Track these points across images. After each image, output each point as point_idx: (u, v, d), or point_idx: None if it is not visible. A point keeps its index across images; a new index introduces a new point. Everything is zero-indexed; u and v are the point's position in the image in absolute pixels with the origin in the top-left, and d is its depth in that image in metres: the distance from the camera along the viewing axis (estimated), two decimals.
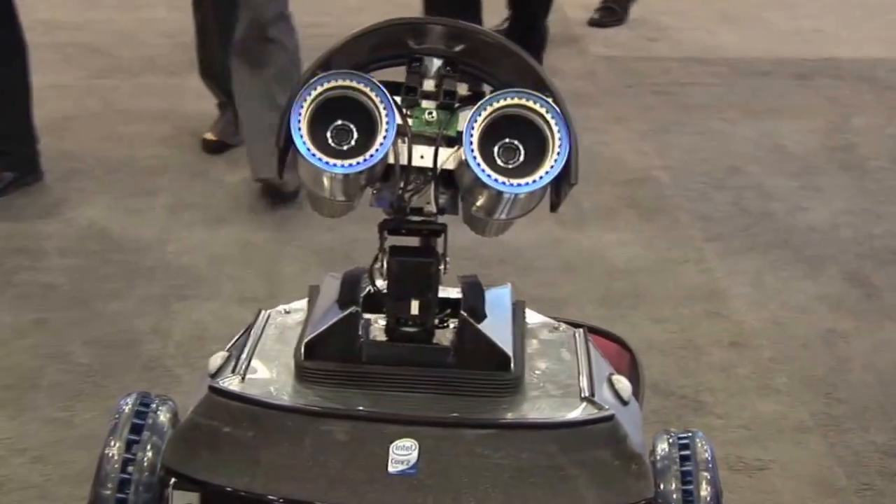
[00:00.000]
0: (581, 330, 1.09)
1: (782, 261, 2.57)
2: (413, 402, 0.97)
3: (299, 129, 0.92)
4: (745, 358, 2.15)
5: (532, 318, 1.11)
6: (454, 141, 0.97)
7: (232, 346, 1.06)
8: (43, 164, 2.78)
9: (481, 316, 0.99)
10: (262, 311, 1.09)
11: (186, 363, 2.00)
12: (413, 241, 1.01)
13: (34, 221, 2.59)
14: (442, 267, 1.01)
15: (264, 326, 1.07)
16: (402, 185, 0.97)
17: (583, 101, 3.64)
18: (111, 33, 4.09)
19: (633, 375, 1.18)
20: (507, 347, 0.99)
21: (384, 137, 0.92)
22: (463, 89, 0.99)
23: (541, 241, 2.66)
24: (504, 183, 0.94)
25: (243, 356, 1.02)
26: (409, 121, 0.97)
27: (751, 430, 1.92)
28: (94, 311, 2.24)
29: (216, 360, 1.02)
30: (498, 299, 1.07)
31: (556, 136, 0.95)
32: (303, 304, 1.09)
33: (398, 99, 0.97)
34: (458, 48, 0.99)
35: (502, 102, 0.95)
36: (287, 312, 1.09)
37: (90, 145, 3.07)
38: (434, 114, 0.98)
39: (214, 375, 1.00)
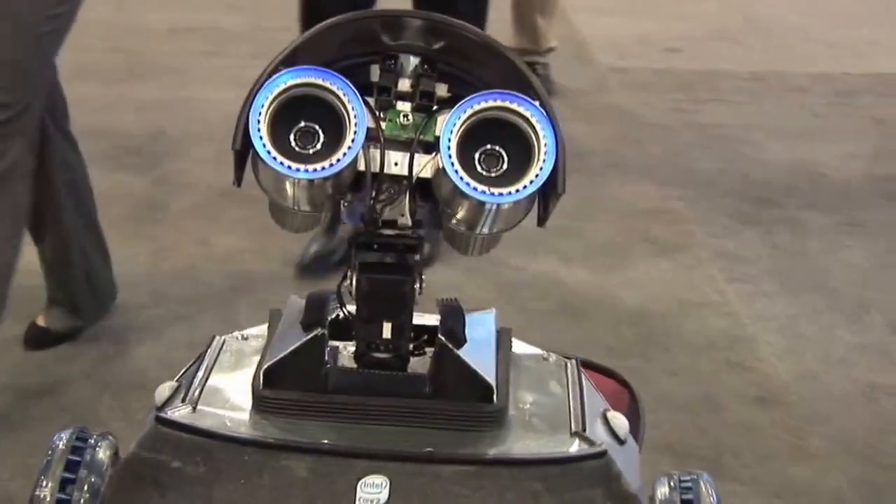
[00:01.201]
0: (573, 361, 1.14)
1: (817, 306, 2.61)
2: (384, 435, 1.01)
3: (259, 129, 0.96)
4: (773, 416, 2.19)
5: (519, 347, 1.16)
6: (432, 147, 1.01)
7: (182, 375, 1.10)
8: None
9: (461, 341, 1.03)
10: (217, 337, 1.14)
11: (124, 416, 2.05)
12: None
13: None
14: (417, 286, 1.05)
15: (219, 353, 1.11)
16: (373, 194, 1.01)
17: (590, 119, 3.69)
18: None
19: (633, 414, 1.23)
20: (490, 376, 1.04)
21: (352, 141, 0.97)
22: (442, 90, 1.04)
23: (540, 278, 2.70)
24: (484, 192, 0.98)
25: (195, 385, 1.06)
26: (383, 124, 1.02)
27: (781, 498, 1.96)
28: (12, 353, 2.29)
29: (164, 390, 1.06)
30: (480, 325, 1.12)
31: (542, 141, 0.99)
32: (262, 329, 1.13)
33: (371, 100, 1.02)
34: (437, 45, 1.04)
35: (483, 105, 0.99)
36: (244, 338, 1.14)
37: None
38: (410, 117, 1.02)
39: (162, 407, 1.04)
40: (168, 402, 1.05)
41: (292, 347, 1.03)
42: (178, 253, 2.74)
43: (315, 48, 1.03)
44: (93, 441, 1.06)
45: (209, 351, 1.12)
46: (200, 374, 1.08)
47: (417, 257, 1.05)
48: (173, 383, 1.08)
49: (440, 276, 2.67)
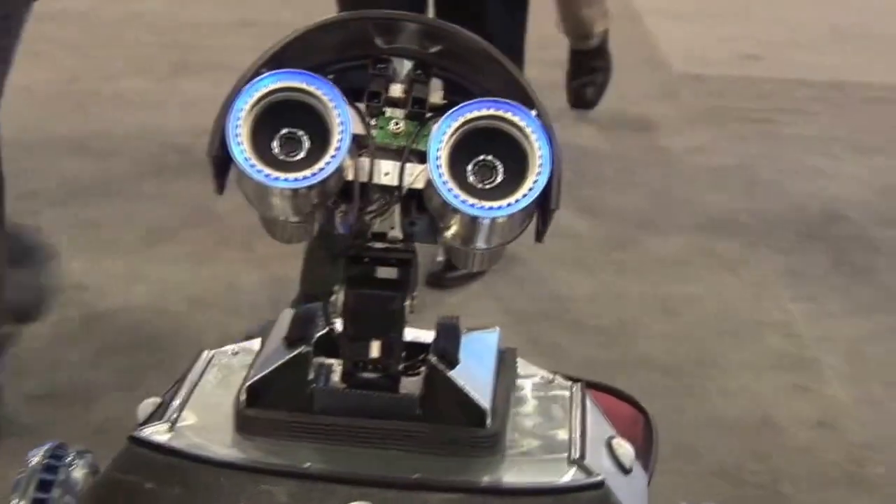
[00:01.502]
0: (578, 385, 1.12)
1: (887, 328, 2.56)
2: (370, 459, 0.99)
3: (237, 134, 0.96)
4: (834, 442, 2.15)
5: (524, 369, 1.14)
6: (425, 156, 0.99)
7: (168, 391, 1.09)
8: None
9: (453, 361, 1.02)
10: (205, 352, 1.13)
11: None
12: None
13: None
14: (409, 302, 1.03)
15: (205, 369, 1.10)
16: (360, 204, 1.00)
17: (659, 129, 3.66)
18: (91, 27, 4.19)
19: (647, 442, 1.20)
20: (484, 399, 1.02)
21: (336, 149, 0.96)
22: (437, 97, 1.02)
23: (596, 292, 2.68)
24: (474, 205, 0.96)
25: (176, 402, 1.05)
26: (373, 131, 1.01)
27: None
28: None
29: (146, 406, 1.05)
30: (481, 345, 1.10)
31: (538, 153, 0.97)
32: (256, 343, 1.12)
33: (361, 106, 1.01)
34: (432, 49, 1.03)
35: (476, 113, 0.98)
36: (235, 353, 1.12)
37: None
38: (401, 124, 1.01)
39: (142, 425, 1.03)
40: (150, 419, 1.04)
41: (275, 365, 1.02)
42: (220, 257, 2.75)
43: (303, 50, 1.02)
44: (69, 459, 1.05)
45: (195, 366, 1.11)
46: (184, 390, 1.07)
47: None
48: (156, 399, 1.07)
49: (491, 291, 2.66)
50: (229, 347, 1.12)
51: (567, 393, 1.11)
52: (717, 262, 2.84)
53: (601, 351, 2.41)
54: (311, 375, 1.02)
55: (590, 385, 1.18)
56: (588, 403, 1.10)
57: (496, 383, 1.06)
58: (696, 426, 2.19)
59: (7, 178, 1.94)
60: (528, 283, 2.72)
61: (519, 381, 1.12)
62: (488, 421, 1.01)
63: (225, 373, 1.10)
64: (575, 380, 1.14)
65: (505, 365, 1.11)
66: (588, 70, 3.72)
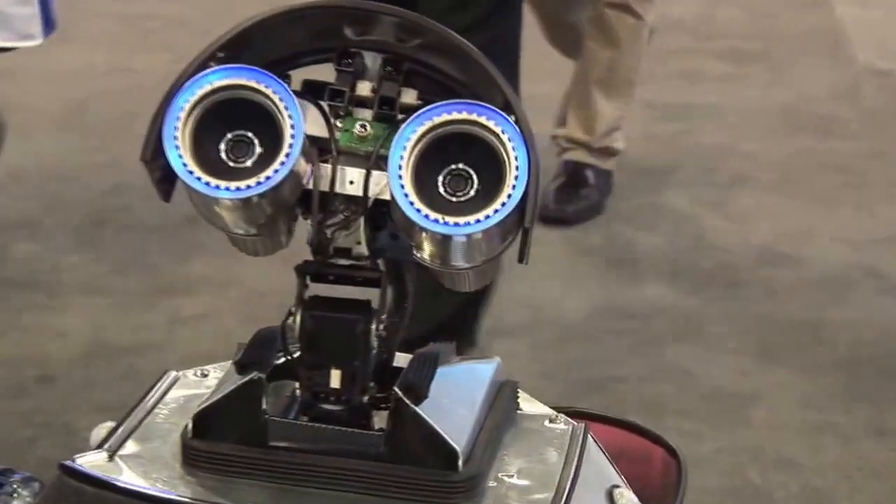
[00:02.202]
0: (582, 424, 1.06)
1: None
2: (328, 501, 0.96)
3: (175, 137, 0.92)
4: None
5: (527, 405, 1.09)
6: None
7: (125, 415, 1.07)
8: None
9: (420, 395, 0.97)
10: (169, 373, 1.10)
11: None
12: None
13: None
14: (374, 326, 0.98)
15: (167, 391, 1.08)
16: (320, 216, 0.96)
17: (834, 131, 3.54)
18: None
19: (674, 490, 1.13)
20: (459, 439, 0.96)
21: (286, 155, 0.92)
22: (410, 97, 0.98)
23: (736, 311, 2.62)
24: (437, 221, 0.92)
25: (124, 428, 1.02)
26: (337, 134, 0.97)
27: None
28: None
29: (100, 431, 1.03)
30: (471, 376, 1.05)
31: (513, 163, 0.92)
32: (227, 366, 1.09)
33: (325, 105, 0.97)
34: (410, 43, 0.98)
35: (446, 117, 0.93)
36: (203, 375, 1.08)
37: None
38: (368, 126, 0.97)
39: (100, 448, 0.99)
40: (100, 445, 1.02)
41: (224, 392, 0.99)
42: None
43: (260, 42, 0.98)
44: (10, 488, 1.04)
45: (156, 387, 1.08)
46: (137, 415, 1.04)
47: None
48: (110, 424, 1.04)
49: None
50: (199, 368, 1.09)
51: (566, 434, 1.05)
52: (881, 283, 2.78)
53: (744, 378, 2.34)
54: (265, 405, 0.98)
55: (610, 422, 1.11)
56: (590, 446, 1.04)
57: (481, 421, 1.01)
58: None
59: None
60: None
61: (516, 419, 1.07)
62: (460, 463, 0.96)
63: (187, 398, 1.07)
64: (586, 415, 1.08)
65: (500, 400, 1.05)
66: (580, 182, 3.17)
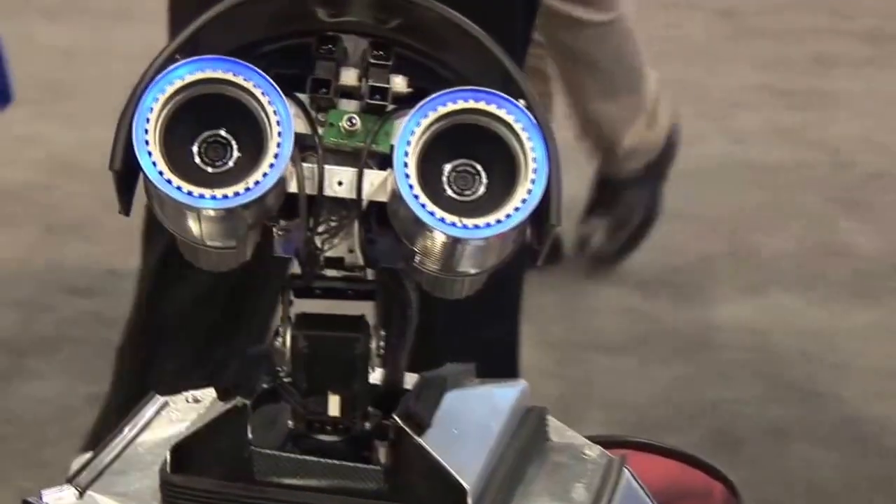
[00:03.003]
0: (619, 457, 1.02)
1: None
2: None
3: (146, 141, 0.89)
4: None
5: (557, 434, 1.05)
6: (387, 160, 0.92)
7: (104, 443, 1.05)
8: None
9: (424, 423, 0.94)
10: (156, 397, 1.08)
11: None
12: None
13: None
14: (374, 344, 0.96)
15: (151, 419, 1.06)
16: (309, 224, 0.93)
17: None
18: None
19: None
20: (470, 474, 0.93)
21: (275, 156, 0.89)
22: (402, 84, 0.95)
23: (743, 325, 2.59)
24: (454, 224, 0.89)
25: (102, 460, 1.01)
26: (321, 130, 0.94)
27: None
28: None
29: (79, 462, 1.02)
30: (490, 402, 1.01)
31: (530, 156, 0.90)
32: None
33: (304, 97, 0.94)
34: (392, 23, 0.95)
35: (452, 107, 0.91)
36: (196, 401, 1.07)
37: None
38: (356, 120, 0.94)
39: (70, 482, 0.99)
40: (74, 478, 1.01)
41: (206, 421, 0.97)
42: None
43: (226, 28, 0.95)
44: None
45: (140, 414, 1.06)
46: (117, 445, 1.03)
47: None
48: (89, 455, 1.03)
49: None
50: (192, 393, 1.07)
51: (600, 469, 1.01)
52: None
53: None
54: (250, 435, 0.96)
55: (661, 453, 1.07)
56: (626, 482, 1.00)
57: (498, 453, 0.97)
58: None
59: None
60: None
61: (543, 450, 1.03)
62: (470, 502, 0.92)
63: (175, 425, 1.05)
64: (630, 444, 1.04)
65: (524, 429, 1.02)
66: (606, 203, 2.90)
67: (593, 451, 1.03)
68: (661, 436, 2.37)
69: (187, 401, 1.08)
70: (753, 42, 4.26)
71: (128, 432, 1.05)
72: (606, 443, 1.05)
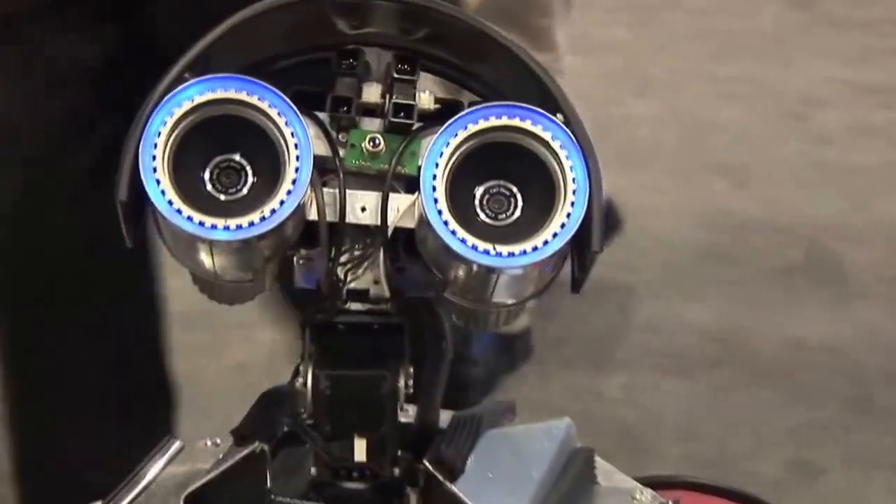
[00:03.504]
0: (673, 500, 1.01)
1: None
2: None
3: (154, 168, 0.89)
4: None
5: (605, 477, 1.04)
6: (414, 182, 0.92)
7: (117, 490, 1.05)
8: None
9: (456, 468, 0.93)
10: (172, 441, 1.08)
11: None
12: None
13: None
14: (403, 382, 0.96)
15: (165, 464, 1.05)
16: (331, 254, 0.93)
17: None
18: None
19: None
20: None
21: (293, 182, 0.89)
22: (428, 100, 0.95)
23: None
24: (487, 252, 0.88)
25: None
26: (342, 151, 0.94)
27: None
28: None
29: None
30: (531, 443, 1.00)
31: (569, 176, 0.89)
32: None
33: (323, 116, 0.94)
34: (418, 34, 0.95)
35: (483, 124, 0.90)
36: (216, 445, 1.07)
37: None
38: (380, 140, 0.94)
39: None
40: None
41: (222, 468, 0.96)
42: None
43: (238, 44, 0.95)
44: None
45: (155, 459, 1.06)
46: (129, 494, 1.03)
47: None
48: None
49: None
50: (209, 438, 1.07)
51: None
52: None
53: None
54: (269, 483, 0.96)
55: (718, 493, 1.06)
56: None
57: (540, 499, 0.97)
58: None
59: None
60: None
61: (590, 496, 1.02)
62: None
63: (193, 472, 1.05)
64: (686, 485, 1.02)
65: (569, 472, 1.01)
66: None
67: (645, 496, 1.02)
68: (738, 466, 2.38)
69: (206, 444, 1.08)
70: (832, 34, 4.23)
71: (143, 477, 1.04)
72: (659, 484, 1.04)
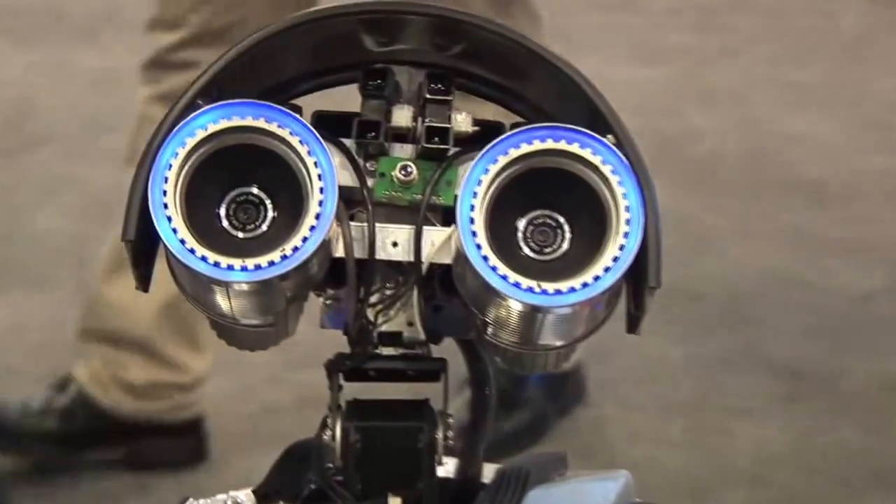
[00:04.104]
0: None
1: None
2: None
3: (165, 204, 0.90)
4: None
5: None
6: (450, 213, 0.93)
7: None
8: None
9: None
10: (193, 501, 1.10)
11: None
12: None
13: None
14: (442, 434, 0.96)
15: None
16: (360, 294, 0.94)
17: None
18: None
19: None
20: None
21: (317, 216, 0.90)
22: (465, 123, 0.95)
23: None
24: (532, 290, 0.89)
25: None
26: (370, 181, 0.95)
27: None
28: None
29: None
30: (584, 500, 1.01)
31: (622, 204, 0.90)
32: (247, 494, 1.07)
33: (349, 143, 0.95)
34: (453, 50, 0.96)
35: (527, 147, 0.91)
36: (236, 502, 1.07)
37: None
38: (412, 168, 0.95)
39: None
40: None
41: None
42: None
43: (255, 66, 0.96)
44: None
45: None
46: None
47: None
48: None
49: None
50: (230, 496, 1.08)
51: None
52: None
53: None
54: None
55: None
56: None
57: None
58: None
59: None
60: None
61: None
62: None
63: None
64: None
65: None
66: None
67: None
68: None
69: (226, 501, 1.09)
70: None
71: None
72: None
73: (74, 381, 2.54)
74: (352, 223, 0.94)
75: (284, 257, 0.90)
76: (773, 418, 2.62)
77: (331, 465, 0.98)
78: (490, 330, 0.95)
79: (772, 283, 3.03)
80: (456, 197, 0.92)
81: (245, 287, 0.91)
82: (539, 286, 0.89)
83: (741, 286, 3.01)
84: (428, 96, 0.96)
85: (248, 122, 0.92)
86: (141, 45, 2.52)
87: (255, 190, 0.93)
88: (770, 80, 3.96)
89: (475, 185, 0.91)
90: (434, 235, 0.95)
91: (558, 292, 0.90)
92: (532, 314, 0.91)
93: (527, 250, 0.92)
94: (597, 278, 0.90)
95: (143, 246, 0.93)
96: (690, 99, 3.82)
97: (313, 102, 0.99)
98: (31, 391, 2.58)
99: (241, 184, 0.93)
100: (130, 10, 3.67)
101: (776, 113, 3.76)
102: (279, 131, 0.92)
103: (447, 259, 0.94)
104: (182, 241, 0.90)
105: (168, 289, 0.97)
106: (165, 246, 0.91)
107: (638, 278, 0.91)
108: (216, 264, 0.90)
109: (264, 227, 0.93)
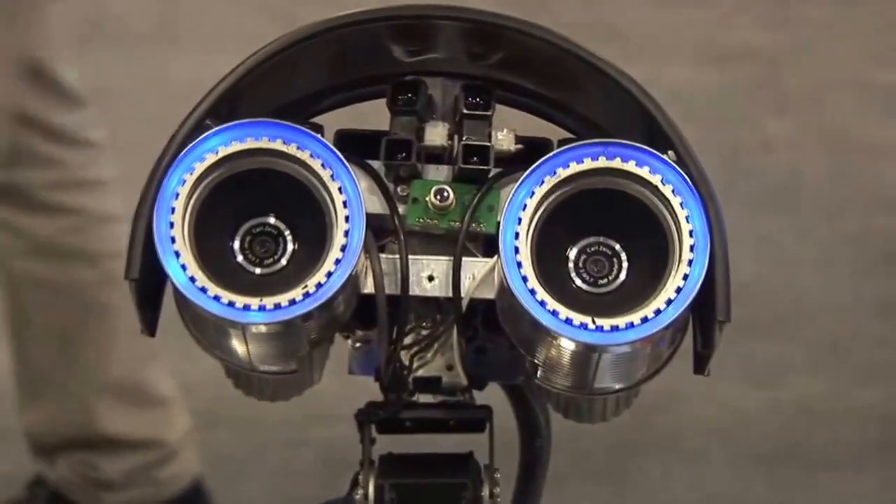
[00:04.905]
0: None
1: None
2: None
3: (172, 238, 0.92)
4: None
5: None
6: (493, 243, 0.94)
7: None
8: None
9: None
10: None
11: None
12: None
13: None
14: (487, 491, 0.98)
15: None
16: (393, 336, 0.96)
17: None
18: None
19: None
20: None
21: (342, 248, 0.91)
22: (507, 140, 0.97)
23: None
24: (585, 326, 0.90)
25: None
26: (402, 208, 0.97)
27: None
28: None
29: None
30: None
31: (685, 228, 0.91)
32: None
33: (377, 165, 0.97)
34: (492, 59, 0.98)
35: (578, 167, 0.92)
36: None
37: None
38: (449, 192, 0.96)
39: None
40: None
41: None
42: None
43: (272, 81, 0.98)
44: None
45: None
46: None
47: None
48: None
49: None
50: None
51: None
52: None
53: None
54: None
55: None
56: None
57: None
58: None
59: None
60: None
61: None
62: None
63: None
64: None
65: None
66: None
67: None
68: None
69: None
70: None
71: None
72: None
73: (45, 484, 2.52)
74: (382, 255, 0.96)
75: (307, 295, 0.92)
76: (866, 470, 2.63)
77: None
78: (540, 373, 0.97)
79: (862, 320, 3.03)
80: (498, 224, 0.94)
81: (263, 329, 0.93)
82: (594, 322, 0.91)
83: (828, 324, 3.00)
84: (465, 111, 0.98)
85: (264, 143, 0.94)
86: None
87: (272, 220, 0.95)
88: (853, 83, 3.96)
89: (520, 209, 0.92)
90: (475, 267, 0.96)
91: (615, 329, 0.91)
92: (586, 354, 0.93)
93: (579, 282, 0.94)
94: (658, 312, 0.91)
95: (149, 285, 0.95)
96: (762, 106, 3.81)
97: (336, 121, 1.00)
98: None
99: (257, 213, 0.95)
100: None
101: (860, 120, 3.75)
102: (299, 154, 0.93)
103: (490, 294, 0.96)
104: (192, 279, 0.92)
105: None
106: (173, 284, 0.93)
107: (705, 311, 0.93)
108: (231, 304, 0.92)
109: (283, 262, 0.95)
